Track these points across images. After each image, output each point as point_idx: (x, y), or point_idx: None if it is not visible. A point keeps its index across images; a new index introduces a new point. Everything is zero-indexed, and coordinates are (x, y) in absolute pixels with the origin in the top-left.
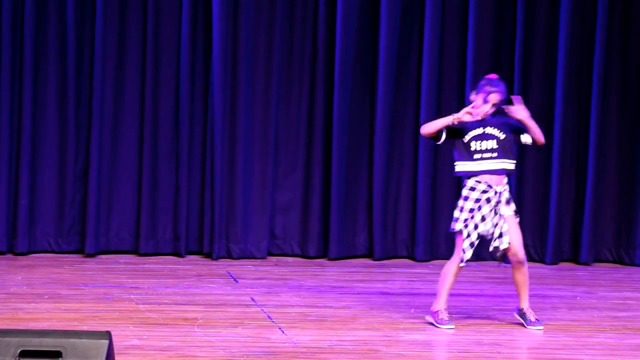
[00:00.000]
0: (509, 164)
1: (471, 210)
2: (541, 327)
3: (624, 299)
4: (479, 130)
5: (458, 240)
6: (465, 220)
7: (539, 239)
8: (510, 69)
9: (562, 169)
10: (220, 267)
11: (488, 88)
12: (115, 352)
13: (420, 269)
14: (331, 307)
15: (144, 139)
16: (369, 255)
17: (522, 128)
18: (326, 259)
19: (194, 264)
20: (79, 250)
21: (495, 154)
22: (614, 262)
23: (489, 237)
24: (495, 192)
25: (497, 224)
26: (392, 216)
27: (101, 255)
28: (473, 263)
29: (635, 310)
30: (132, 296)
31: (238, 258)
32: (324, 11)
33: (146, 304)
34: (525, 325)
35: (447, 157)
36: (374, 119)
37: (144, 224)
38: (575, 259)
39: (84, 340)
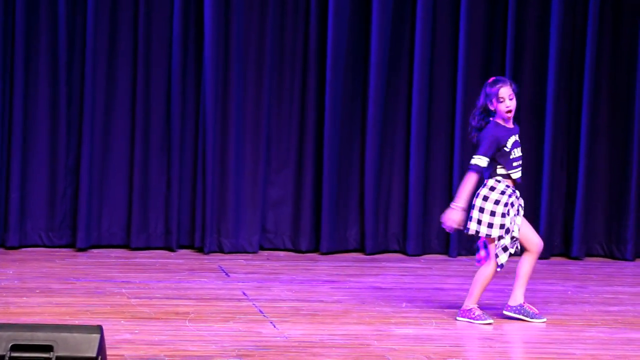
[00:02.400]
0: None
1: (503, 215)
2: (542, 319)
3: (615, 294)
4: (514, 138)
5: (490, 245)
6: (502, 225)
7: None
8: (501, 64)
9: (553, 164)
10: (211, 262)
11: (495, 87)
12: (106, 346)
13: (412, 264)
14: (323, 301)
15: (135, 134)
16: (361, 249)
17: None
18: (318, 253)
19: (185, 258)
20: (70, 245)
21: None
22: (605, 256)
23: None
24: (517, 197)
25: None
26: (384, 211)
27: (92, 250)
28: (464, 257)
29: (627, 304)
30: (123, 290)
31: (230, 252)
32: (315, 9)
33: (138, 298)
34: (530, 319)
35: (439, 152)
36: (366, 115)
37: (136, 218)
38: (567, 253)
39: (75, 334)
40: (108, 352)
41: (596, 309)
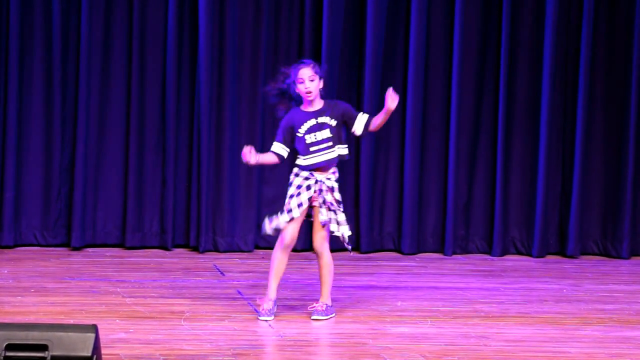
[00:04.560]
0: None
1: (291, 196)
2: (317, 317)
3: (611, 292)
4: (312, 122)
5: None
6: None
7: (526, 232)
8: (496, 63)
9: (548, 162)
10: (206, 260)
11: (295, 69)
12: (101, 345)
13: (407, 262)
14: (318, 300)
15: (130, 132)
16: (356, 248)
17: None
18: (313, 252)
19: (180, 257)
20: (65, 244)
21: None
22: (601, 254)
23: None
24: (316, 181)
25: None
26: (379, 209)
27: (87, 249)
28: (459, 256)
29: (622, 302)
30: (118, 289)
31: (225, 251)
32: (310, 7)
33: (132, 297)
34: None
35: (433, 151)
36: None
37: (130, 217)
38: (562, 251)
39: (70, 333)
40: (103, 351)
41: (592, 307)
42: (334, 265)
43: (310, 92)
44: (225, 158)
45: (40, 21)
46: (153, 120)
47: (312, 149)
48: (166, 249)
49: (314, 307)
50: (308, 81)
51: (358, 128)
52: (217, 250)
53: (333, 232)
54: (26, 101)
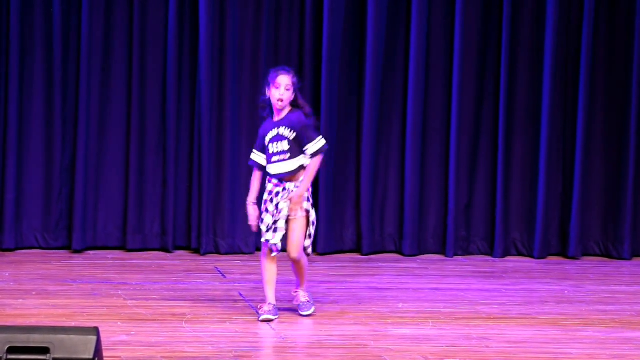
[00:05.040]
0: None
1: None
2: (309, 311)
3: (612, 293)
4: (275, 131)
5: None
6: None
7: (527, 233)
8: (496, 63)
9: (549, 163)
10: (208, 263)
11: (274, 73)
12: (103, 348)
13: (408, 264)
14: (319, 302)
15: (131, 133)
16: (357, 250)
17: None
18: (314, 253)
19: (181, 259)
20: (66, 246)
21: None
22: (602, 255)
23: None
24: (284, 189)
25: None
26: (380, 211)
27: (88, 251)
28: (460, 257)
29: (624, 303)
30: (119, 292)
31: (226, 253)
32: (310, 7)
33: (134, 299)
34: (298, 309)
35: (434, 153)
36: (361, 114)
37: (131, 219)
38: (563, 252)
39: (71, 336)
40: (104, 353)
41: (593, 309)
42: (334, 267)
43: (282, 100)
44: (226, 159)
45: (40, 21)
46: (154, 121)
47: (273, 158)
48: (167, 251)
49: (300, 302)
50: (284, 89)
51: (310, 149)
52: (218, 252)
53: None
54: (26, 102)
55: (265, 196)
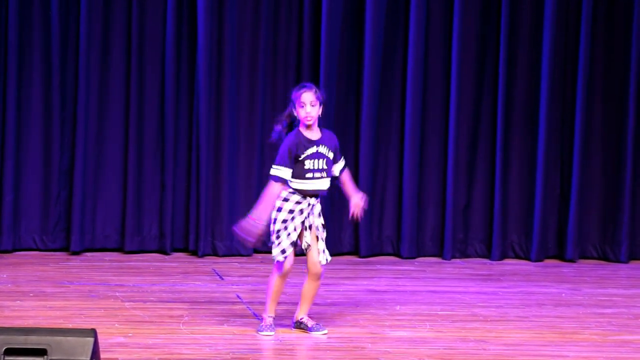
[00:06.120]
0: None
1: (284, 221)
2: (324, 331)
3: (609, 296)
4: (314, 149)
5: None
6: (286, 227)
7: (525, 235)
8: (494, 66)
9: (547, 166)
10: (205, 265)
11: (297, 92)
12: (100, 349)
13: (406, 266)
14: (317, 304)
15: (129, 136)
16: (355, 252)
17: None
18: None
19: (179, 261)
20: (64, 248)
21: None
22: (599, 258)
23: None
24: (309, 204)
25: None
26: (378, 213)
27: (86, 253)
28: (458, 260)
29: (620, 306)
30: (117, 294)
31: (224, 255)
32: (309, 10)
33: (131, 301)
34: (308, 332)
35: (432, 155)
36: (360, 117)
37: (130, 221)
38: (561, 255)
39: (69, 338)
40: (102, 355)
41: (590, 311)
42: (331, 269)
43: (311, 117)
44: (224, 162)
45: (39, 23)
46: (152, 124)
47: (308, 175)
48: (165, 253)
49: (312, 325)
50: (309, 106)
51: (336, 170)
52: (216, 254)
53: (320, 261)
54: (25, 104)
55: (285, 215)
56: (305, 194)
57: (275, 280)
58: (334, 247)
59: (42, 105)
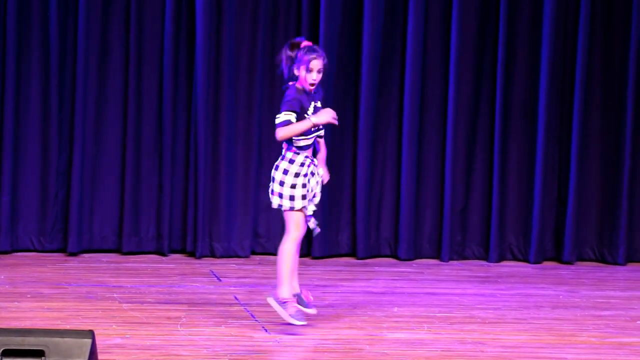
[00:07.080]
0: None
1: (304, 186)
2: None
3: (607, 298)
4: (313, 104)
5: (288, 218)
6: (304, 196)
7: (522, 237)
8: (493, 66)
9: (545, 168)
10: (203, 266)
11: (307, 57)
12: (98, 351)
13: (404, 268)
14: (315, 305)
15: (127, 137)
16: (353, 254)
17: None
18: (310, 257)
19: (177, 262)
20: (62, 249)
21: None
22: (597, 260)
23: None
24: (315, 165)
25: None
26: (376, 215)
27: (84, 254)
28: (456, 262)
29: (618, 308)
30: (115, 295)
31: (221, 257)
32: (307, 14)
33: (129, 302)
34: (307, 308)
35: (430, 157)
36: (357, 118)
37: (127, 222)
38: (558, 257)
39: (66, 339)
40: (99, 357)
41: (588, 314)
42: (329, 270)
43: (314, 84)
44: (222, 162)
45: (37, 24)
46: (150, 125)
47: (313, 134)
48: (163, 254)
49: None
50: (316, 72)
51: None
52: (213, 255)
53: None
54: (23, 105)
55: (305, 169)
56: (307, 151)
57: (291, 249)
58: (332, 248)
59: (40, 105)
